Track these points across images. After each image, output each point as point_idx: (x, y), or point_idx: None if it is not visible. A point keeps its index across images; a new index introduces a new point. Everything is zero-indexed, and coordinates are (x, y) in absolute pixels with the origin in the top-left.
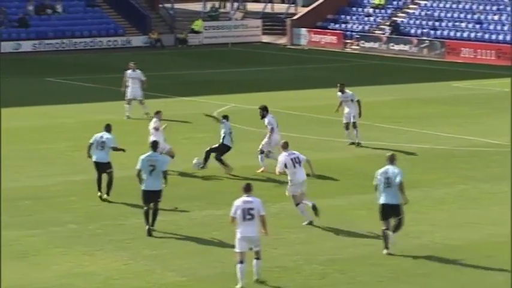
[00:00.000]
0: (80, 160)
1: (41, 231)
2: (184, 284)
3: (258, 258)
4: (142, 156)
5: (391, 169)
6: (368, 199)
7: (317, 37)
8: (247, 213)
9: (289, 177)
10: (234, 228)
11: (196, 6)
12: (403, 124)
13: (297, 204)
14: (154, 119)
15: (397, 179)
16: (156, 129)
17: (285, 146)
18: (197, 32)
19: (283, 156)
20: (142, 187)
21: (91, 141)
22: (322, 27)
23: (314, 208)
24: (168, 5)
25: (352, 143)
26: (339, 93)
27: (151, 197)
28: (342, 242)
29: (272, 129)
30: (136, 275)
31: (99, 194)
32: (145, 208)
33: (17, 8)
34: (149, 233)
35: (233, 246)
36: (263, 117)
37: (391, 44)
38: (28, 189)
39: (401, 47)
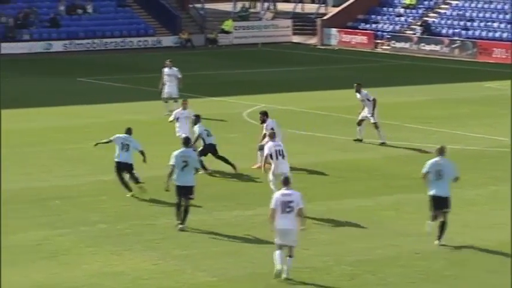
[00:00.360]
0: (110, 160)
1: (70, 230)
2: (215, 284)
3: (290, 256)
4: (176, 153)
5: (443, 161)
6: (396, 200)
7: (347, 37)
8: (287, 206)
9: (272, 167)
10: (272, 220)
11: (227, 6)
12: (434, 124)
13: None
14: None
15: (454, 173)
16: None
17: (272, 136)
18: (227, 32)
19: (269, 146)
20: (176, 182)
21: (111, 138)
22: (352, 27)
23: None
24: (198, 5)
25: (357, 140)
26: (357, 94)
27: (184, 192)
28: (371, 242)
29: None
30: (166, 275)
31: (130, 194)
32: (178, 202)
33: (48, 8)
34: (182, 229)
35: (263, 247)
36: (263, 122)
37: (422, 44)
38: (57, 189)
39: (432, 47)
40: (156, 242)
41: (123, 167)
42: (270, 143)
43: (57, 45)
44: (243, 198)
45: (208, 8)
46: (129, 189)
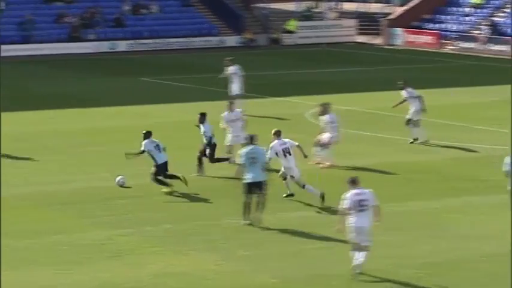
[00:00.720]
0: (174, 159)
1: (134, 230)
2: (277, 285)
3: (364, 251)
4: (243, 151)
5: None
6: (463, 202)
7: (413, 37)
8: (360, 205)
9: (282, 163)
10: (343, 220)
11: (290, 6)
12: (502, 126)
13: (284, 178)
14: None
15: None
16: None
17: (278, 134)
18: (291, 32)
19: (275, 145)
20: (246, 180)
21: (143, 148)
22: (418, 27)
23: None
24: (262, 5)
25: (414, 140)
26: (403, 92)
27: (255, 189)
28: (437, 245)
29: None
30: (228, 276)
31: (166, 189)
32: (246, 200)
33: (113, 8)
34: (255, 219)
35: (324, 248)
36: (323, 114)
37: (490, 44)
38: (121, 189)
39: (500, 47)
40: (220, 243)
41: (165, 167)
42: (276, 142)
43: (122, 45)
44: (306, 199)
45: (271, 8)
46: (167, 184)
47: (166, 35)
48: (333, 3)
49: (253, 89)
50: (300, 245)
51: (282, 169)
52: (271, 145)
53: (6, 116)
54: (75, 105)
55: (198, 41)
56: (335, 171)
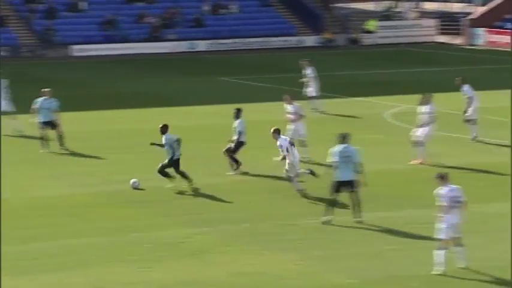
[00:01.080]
0: (250, 158)
1: (212, 229)
2: (355, 286)
3: (461, 245)
4: (335, 149)
5: None
6: None
7: (495, 37)
8: (455, 201)
9: (288, 161)
10: (442, 217)
11: (370, 6)
12: None
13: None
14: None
15: None
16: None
17: (279, 132)
18: (370, 32)
19: (283, 141)
20: (336, 178)
21: (164, 142)
22: (500, 27)
23: (312, 173)
24: (342, 5)
25: (475, 137)
26: (464, 89)
27: (344, 188)
28: None
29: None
30: (306, 276)
31: (171, 184)
32: (333, 198)
33: (193, 8)
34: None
35: (404, 249)
36: (425, 104)
37: None
38: (199, 188)
39: None
40: (297, 243)
41: (178, 163)
42: (282, 139)
43: (201, 45)
44: (388, 200)
45: (351, 8)
46: (171, 177)
47: (245, 35)
48: (413, 3)
49: (332, 88)
50: (378, 245)
51: (288, 169)
52: (280, 143)
53: (85, 114)
54: (154, 105)
55: (276, 41)
56: (422, 171)
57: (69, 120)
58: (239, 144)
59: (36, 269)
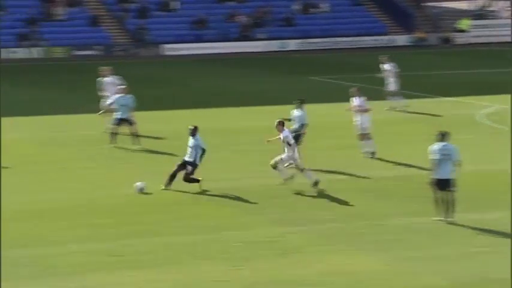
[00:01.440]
0: (345, 158)
1: (303, 228)
2: None
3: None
4: (435, 147)
5: None
6: None
7: None
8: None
9: (290, 153)
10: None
11: (462, 5)
12: None
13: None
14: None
15: None
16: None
17: (284, 124)
18: (463, 31)
19: (287, 133)
20: (434, 176)
21: (200, 145)
22: None
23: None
24: (433, 4)
25: None
26: None
27: (443, 186)
28: None
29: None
30: (398, 277)
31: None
32: (436, 196)
33: (283, 7)
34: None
35: (498, 252)
36: None
37: None
38: (290, 186)
39: None
40: (389, 243)
41: (186, 167)
42: (287, 131)
43: (291, 44)
44: (481, 201)
45: (443, 7)
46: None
47: (335, 34)
48: (507, 2)
49: (424, 88)
50: (472, 247)
51: (288, 160)
52: (286, 134)
53: (176, 113)
54: (243, 103)
55: (367, 40)
56: None
57: (161, 119)
58: (298, 136)
59: (122, 266)
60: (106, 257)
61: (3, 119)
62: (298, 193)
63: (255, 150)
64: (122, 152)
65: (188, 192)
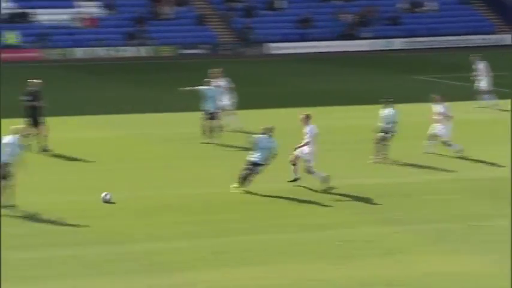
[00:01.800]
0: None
1: (405, 228)
2: None
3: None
4: None
5: None
6: None
7: None
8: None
9: (310, 149)
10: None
11: None
12: None
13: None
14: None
15: None
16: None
17: (310, 118)
18: None
19: (313, 129)
20: None
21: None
22: None
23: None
24: None
25: None
26: None
27: None
28: None
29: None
30: (504, 278)
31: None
32: None
33: (389, 6)
34: None
35: None
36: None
37: None
38: (388, 186)
39: None
40: (494, 244)
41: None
42: (312, 126)
43: (397, 43)
44: None
45: None
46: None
47: (442, 33)
48: None
49: None
50: None
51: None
52: (313, 130)
53: (280, 112)
54: (349, 103)
55: (475, 39)
56: None
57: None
58: (386, 134)
59: (226, 263)
60: (210, 254)
61: (114, 116)
62: (399, 193)
63: (358, 149)
64: (228, 149)
65: (284, 191)
